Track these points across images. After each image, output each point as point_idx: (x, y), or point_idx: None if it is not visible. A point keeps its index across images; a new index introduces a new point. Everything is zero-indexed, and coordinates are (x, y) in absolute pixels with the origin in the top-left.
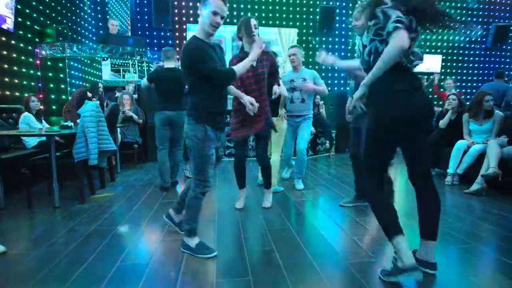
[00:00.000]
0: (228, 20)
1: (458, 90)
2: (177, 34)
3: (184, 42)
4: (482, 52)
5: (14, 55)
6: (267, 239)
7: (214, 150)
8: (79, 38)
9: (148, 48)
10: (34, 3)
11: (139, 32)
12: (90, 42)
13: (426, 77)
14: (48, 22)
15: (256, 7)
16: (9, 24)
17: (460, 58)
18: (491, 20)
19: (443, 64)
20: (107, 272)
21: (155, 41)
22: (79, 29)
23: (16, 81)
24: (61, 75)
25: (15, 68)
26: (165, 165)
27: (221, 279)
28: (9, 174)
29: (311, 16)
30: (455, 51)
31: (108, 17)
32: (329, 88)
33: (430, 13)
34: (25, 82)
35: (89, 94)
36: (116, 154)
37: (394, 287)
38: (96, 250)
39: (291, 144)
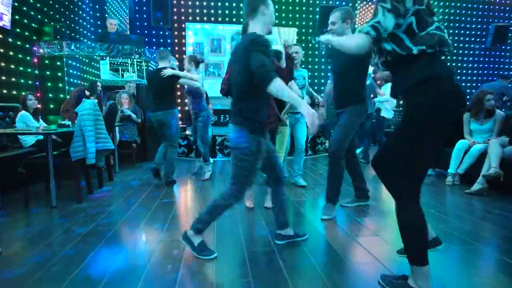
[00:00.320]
0: (227, 19)
1: None
2: (176, 33)
3: (183, 41)
4: (482, 52)
5: (11, 53)
6: (267, 239)
7: None
8: (77, 36)
9: (146, 47)
10: (31, 1)
11: (138, 31)
12: (88, 40)
13: None
14: (46, 20)
15: None
16: (6, 22)
17: (460, 58)
18: (490, 20)
19: None
20: (105, 273)
21: (153, 40)
22: (77, 27)
23: (13, 79)
24: (59, 74)
25: (12, 66)
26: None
27: (221, 280)
28: (6, 173)
29: (310, 16)
30: (455, 51)
31: (106, 15)
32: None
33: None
34: (22, 81)
35: (87, 93)
36: (114, 153)
37: None
38: (93, 251)
39: (288, 141)
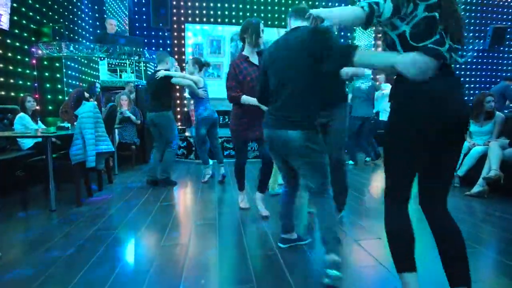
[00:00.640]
0: (226, 20)
1: None
2: (175, 34)
3: (183, 42)
4: (480, 54)
5: (10, 54)
6: (269, 243)
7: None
8: (76, 37)
9: (146, 48)
10: (30, 1)
11: (137, 32)
12: (87, 41)
13: None
14: (45, 21)
15: (255, 7)
16: (4, 22)
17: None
18: (488, 21)
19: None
20: (107, 279)
21: (153, 41)
22: (76, 28)
23: (12, 80)
24: (58, 75)
25: (10, 67)
26: (152, 162)
27: (224, 285)
28: (4, 176)
29: None
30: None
31: (105, 16)
32: None
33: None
34: (20, 82)
35: (87, 95)
36: (114, 156)
37: None
38: (94, 256)
39: None
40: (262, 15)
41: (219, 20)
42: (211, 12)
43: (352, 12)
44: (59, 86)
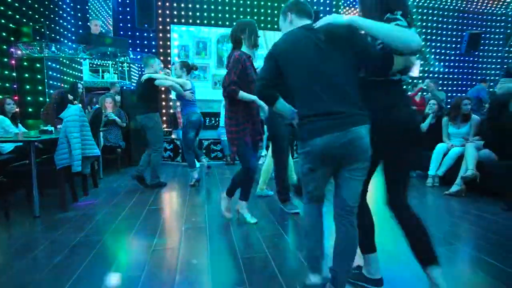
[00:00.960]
0: (212, 22)
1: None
2: (160, 35)
3: (168, 43)
4: (457, 58)
5: None
6: (260, 245)
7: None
8: (57, 37)
9: (130, 49)
10: (9, 0)
11: (121, 32)
12: (69, 42)
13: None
14: (24, 20)
15: (241, 9)
16: None
17: (437, 63)
18: (464, 27)
19: (421, 68)
20: (98, 286)
21: (137, 41)
22: (57, 28)
23: None
24: (39, 76)
25: None
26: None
27: (217, 287)
28: None
29: None
30: (432, 56)
31: (88, 16)
32: None
33: None
34: None
35: (70, 97)
36: (99, 159)
37: None
38: (84, 262)
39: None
40: (248, 17)
41: (205, 22)
42: (197, 14)
43: (416, 36)
44: (40, 87)
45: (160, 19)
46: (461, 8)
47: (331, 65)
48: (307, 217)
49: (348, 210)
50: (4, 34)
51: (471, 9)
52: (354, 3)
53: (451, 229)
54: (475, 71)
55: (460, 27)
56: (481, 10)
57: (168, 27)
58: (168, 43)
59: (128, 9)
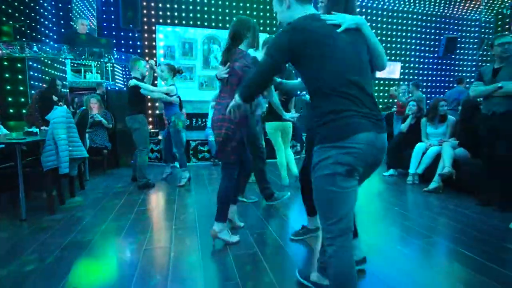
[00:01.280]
0: (198, 23)
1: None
2: (146, 35)
3: (154, 43)
4: (435, 61)
5: None
6: (250, 242)
7: None
8: (39, 37)
9: (115, 49)
10: None
11: (105, 32)
12: (51, 41)
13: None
14: (4, 18)
15: (227, 10)
16: None
17: (417, 65)
18: (442, 32)
19: (402, 70)
20: (91, 285)
21: (122, 41)
22: (38, 27)
23: None
24: (20, 76)
25: None
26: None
27: (210, 283)
28: None
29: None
30: (412, 59)
31: (71, 15)
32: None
33: None
34: None
35: (55, 98)
36: (85, 161)
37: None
38: (76, 263)
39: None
40: (235, 19)
41: (191, 22)
42: (183, 14)
43: None
44: (21, 88)
45: (145, 19)
46: (439, 13)
47: (366, 64)
48: (345, 266)
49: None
50: None
51: (448, 14)
52: None
53: (429, 223)
54: (452, 73)
55: (438, 31)
56: (457, 16)
57: (153, 27)
58: (154, 43)
59: (112, 8)
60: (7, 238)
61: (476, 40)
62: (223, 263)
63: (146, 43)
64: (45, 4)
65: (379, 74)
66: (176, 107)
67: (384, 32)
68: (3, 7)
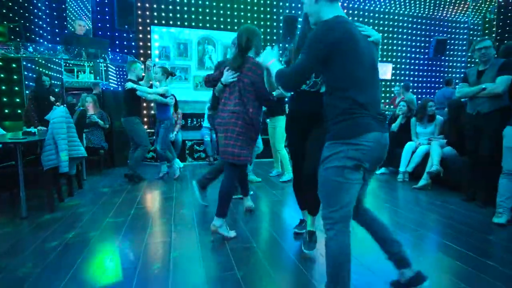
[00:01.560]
0: (193, 24)
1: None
2: (140, 36)
3: (149, 44)
4: (426, 62)
5: None
6: (246, 236)
7: None
8: (33, 37)
9: (109, 49)
10: None
11: (100, 33)
12: (45, 41)
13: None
14: None
15: (221, 12)
16: None
17: (408, 66)
18: (432, 33)
19: (393, 71)
20: (97, 279)
21: (117, 42)
22: (33, 27)
23: None
24: (15, 77)
25: None
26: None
27: (210, 274)
28: None
29: (274, 24)
30: (403, 60)
31: (65, 15)
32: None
33: None
34: None
35: (52, 99)
36: (82, 161)
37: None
38: (79, 258)
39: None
40: (229, 20)
41: (185, 23)
42: (178, 15)
43: None
44: (16, 88)
45: (140, 20)
46: (429, 16)
47: (375, 71)
48: (343, 248)
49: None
50: None
51: (438, 16)
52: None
53: (418, 218)
54: (442, 74)
55: (428, 33)
56: (446, 18)
57: (148, 28)
58: (149, 44)
59: (106, 9)
60: (10, 234)
61: (464, 42)
62: (221, 255)
63: (141, 43)
64: (39, 5)
65: None
66: (169, 110)
67: None
68: None
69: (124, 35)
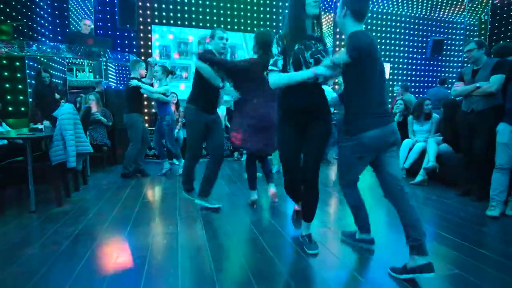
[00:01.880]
0: (193, 23)
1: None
2: (141, 35)
3: (149, 43)
4: (423, 62)
5: None
6: (251, 228)
7: None
8: (35, 35)
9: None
10: None
11: (101, 32)
12: (47, 40)
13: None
14: (2, 17)
15: (222, 11)
16: None
17: (405, 66)
18: (429, 34)
19: (391, 71)
20: (106, 272)
21: (118, 41)
22: (35, 26)
23: None
24: (19, 75)
25: None
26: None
27: (218, 261)
28: None
29: (274, 23)
30: (401, 60)
31: (66, 14)
32: None
33: None
34: None
35: (57, 96)
36: (86, 157)
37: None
38: (90, 249)
39: None
40: (229, 19)
41: (186, 23)
42: (178, 15)
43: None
44: (20, 86)
45: (141, 19)
46: (426, 16)
47: (383, 77)
48: (354, 197)
49: (400, 182)
50: None
51: (435, 17)
52: (329, 8)
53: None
54: (439, 74)
55: (425, 33)
56: (443, 19)
57: (149, 27)
58: (149, 43)
59: (107, 8)
60: (20, 227)
61: (461, 42)
62: (228, 246)
63: (141, 42)
64: (41, 4)
65: None
66: (169, 107)
67: (374, 34)
68: (1, 6)
69: (125, 34)
